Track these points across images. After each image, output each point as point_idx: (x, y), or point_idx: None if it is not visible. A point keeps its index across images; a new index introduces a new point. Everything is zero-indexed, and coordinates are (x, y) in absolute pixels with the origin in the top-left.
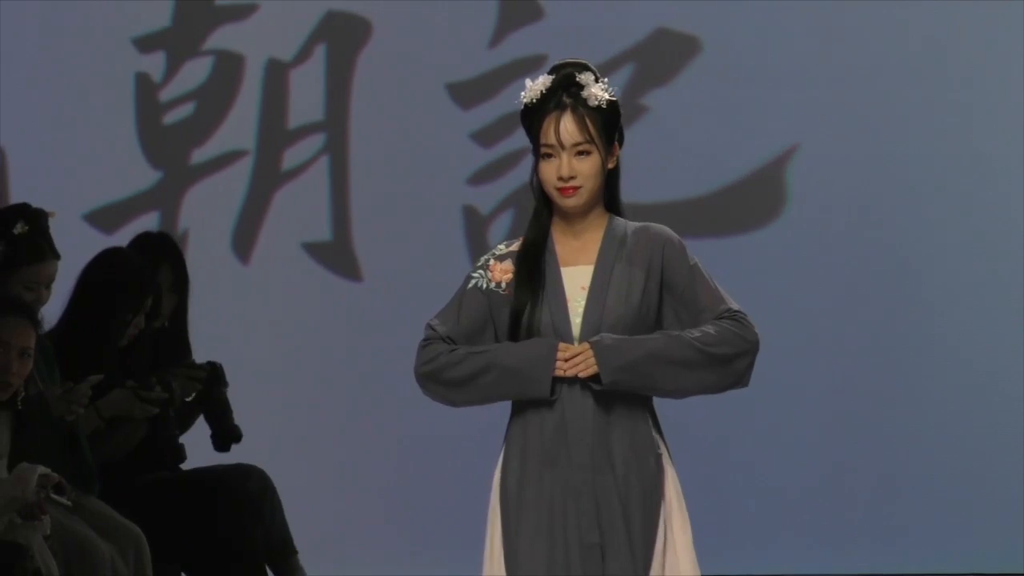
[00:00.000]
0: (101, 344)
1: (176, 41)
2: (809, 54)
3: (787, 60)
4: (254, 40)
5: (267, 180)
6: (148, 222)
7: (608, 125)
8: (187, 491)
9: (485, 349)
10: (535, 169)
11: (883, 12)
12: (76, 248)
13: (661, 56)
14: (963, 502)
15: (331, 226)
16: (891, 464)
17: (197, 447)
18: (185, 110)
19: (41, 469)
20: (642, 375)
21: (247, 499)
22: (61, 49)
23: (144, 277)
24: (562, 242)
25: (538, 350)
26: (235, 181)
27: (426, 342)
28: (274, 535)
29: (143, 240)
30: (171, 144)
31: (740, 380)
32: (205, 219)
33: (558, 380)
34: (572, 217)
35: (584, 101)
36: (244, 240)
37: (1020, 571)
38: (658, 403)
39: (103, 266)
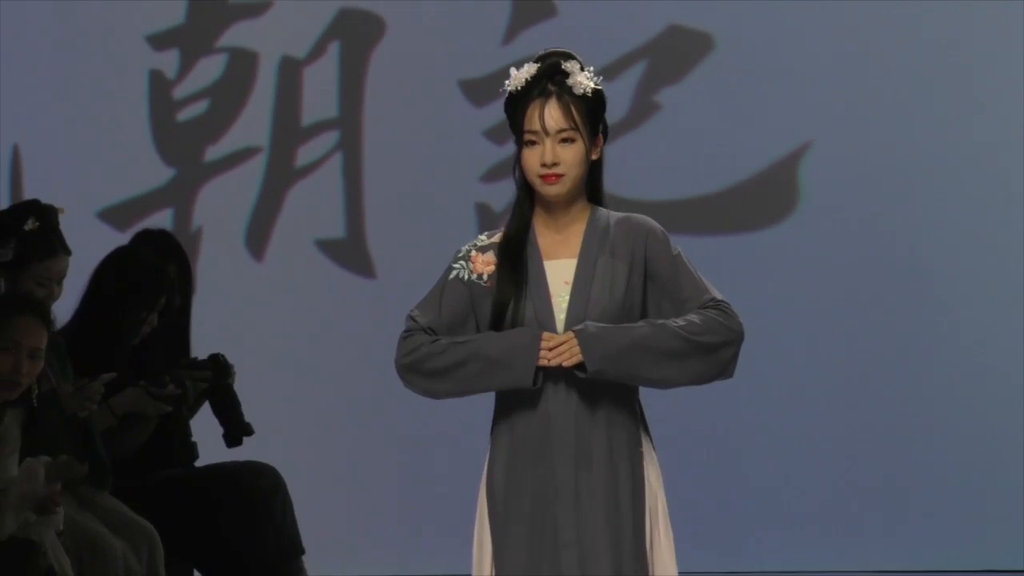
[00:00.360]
0: (114, 342)
1: (190, 38)
2: (822, 51)
3: (800, 57)
4: (268, 37)
5: (281, 177)
6: (162, 219)
7: (593, 114)
8: (199, 488)
9: (468, 339)
10: (517, 158)
11: (897, 9)
12: (90, 245)
13: (674, 53)
14: (968, 499)
15: (345, 223)
16: (904, 460)
17: (209, 444)
18: (199, 107)
19: (45, 460)
20: (627, 364)
21: (259, 496)
22: (75, 46)
23: (158, 276)
24: (544, 235)
25: (521, 339)
26: (249, 178)
27: (407, 333)
28: (284, 533)
29: (149, 238)
30: (185, 141)
31: (725, 370)
32: (219, 216)
33: (542, 371)
34: (555, 209)
35: (569, 89)
36: (258, 237)
37: (1022, 568)
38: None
39: (117, 264)
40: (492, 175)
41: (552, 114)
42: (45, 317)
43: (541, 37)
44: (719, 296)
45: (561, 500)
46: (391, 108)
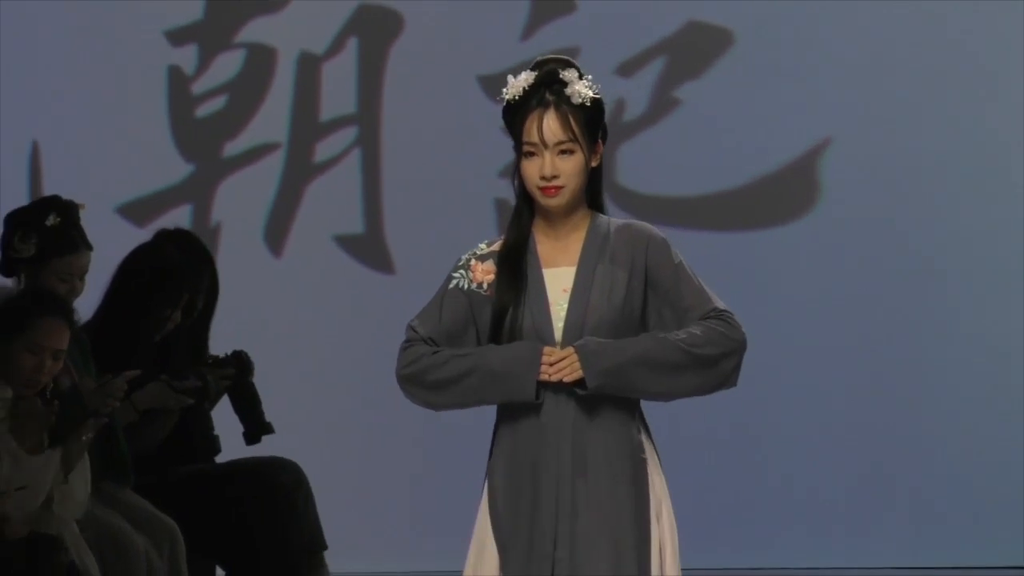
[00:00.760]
0: (137, 339)
1: (208, 34)
2: (842, 47)
3: (819, 53)
4: (286, 33)
5: (299, 173)
6: (180, 215)
7: (592, 123)
8: (221, 484)
9: (469, 352)
10: (516, 167)
11: (918, 7)
12: (108, 241)
13: (693, 49)
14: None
15: (363, 219)
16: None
17: (231, 440)
18: (217, 103)
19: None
20: (628, 379)
21: (281, 492)
22: (94, 42)
23: (182, 273)
24: (544, 243)
25: (523, 353)
26: (267, 174)
27: (408, 344)
28: (306, 529)
29: (173, 237)
30: (203, 137)
31: (727, 381)
32: (237, 212)
33: (542, 384)
34: (554, 217)
35: (568, 99)
36: (276, 233)
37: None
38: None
39: (141, 261)
40: (511, 170)
41: (550, 126)
42: (68, 317)
43: (560, 33)
44: (721, 305)
45: (560, 508)
46: (409, 104)
